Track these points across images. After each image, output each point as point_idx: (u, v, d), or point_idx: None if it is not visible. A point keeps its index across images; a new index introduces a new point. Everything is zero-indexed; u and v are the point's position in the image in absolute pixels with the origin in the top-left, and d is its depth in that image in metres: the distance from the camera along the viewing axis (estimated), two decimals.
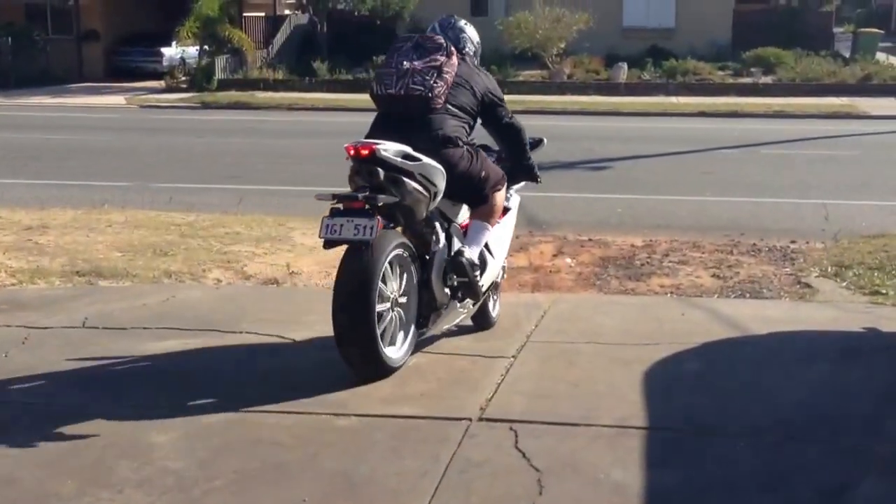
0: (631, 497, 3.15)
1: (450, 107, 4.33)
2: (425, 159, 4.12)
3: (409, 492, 3.18)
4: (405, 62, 4.28)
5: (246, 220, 8.91)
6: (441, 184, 4.21)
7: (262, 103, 22.89)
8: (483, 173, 4.44)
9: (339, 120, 20.46)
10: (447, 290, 4.36)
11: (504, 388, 4.13)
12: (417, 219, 4.18)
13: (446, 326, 4.61)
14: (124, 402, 3.95)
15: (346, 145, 3.97)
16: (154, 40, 28.73)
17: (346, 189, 4.19)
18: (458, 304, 4.49)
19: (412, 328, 4.27)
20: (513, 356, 4.58)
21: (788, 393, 4.07)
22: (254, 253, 7.53)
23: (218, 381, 4.23)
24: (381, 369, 4.07)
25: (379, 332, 3.98)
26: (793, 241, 8.22)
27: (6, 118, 20.13)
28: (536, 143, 4.93)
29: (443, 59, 4.30)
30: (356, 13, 29.05)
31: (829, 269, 7.04)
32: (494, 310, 5.06)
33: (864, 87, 24.15)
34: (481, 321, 4.95)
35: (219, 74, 26.03)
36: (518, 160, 4.76)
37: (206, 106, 22.95)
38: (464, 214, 4.63)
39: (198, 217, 8.96)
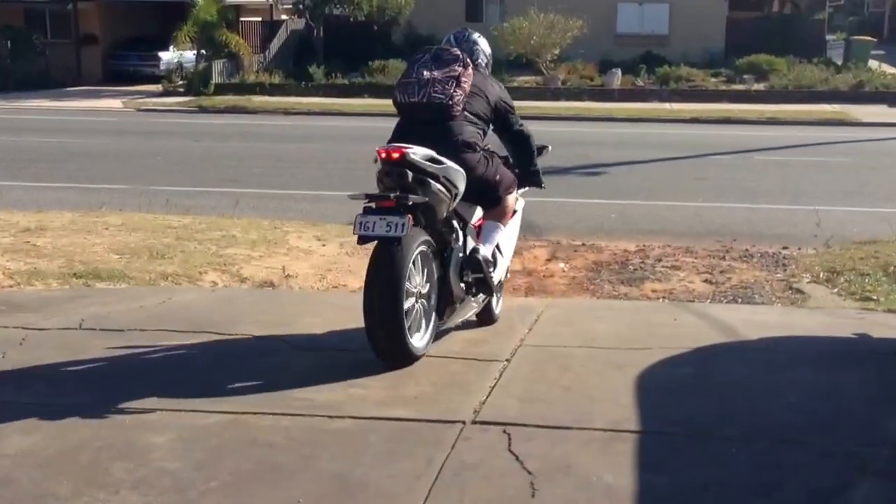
0: (623, 500, 3.16)
1: (467, 114, 4.61)
2: (448, 163, 4.40)
3: (404, 494, 3.20)
4: (426, 72, 4.58)
5: (242, 224, 8.93)
6: (462, 186, 4.49)
7: (258, 107, 22.95)
8: (497, 176, 4.75)
9: (335, 124, 20.52)
10: (462, 286, 4.63)
11: (498, 391, 4.15)
12: (438, 218, 4.43)
13: (460, 319, 4.86)
14: (121, 404, 3.96)
15: (377, 149, 4.24)
16: (152, 44, 28.92)
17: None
18: (472, 299, 4.78)
19: (433, 320, 4.53)
20: (506, 360, 4.60)
21: (780, 397, 4.10)
22: (250, 256, 7.55)
23: (214, 383, 4.24)
24: (406, 357, 4.32)
25: (406, 323, 4.24)
26: (785, 247, 8.28)
27: (5, 121, 20.17)
28: (541, 149, 5.16)
29: (460, 69, 4.58)
30: (352, 19, 29.15)
31: (821, 275, 7.08)
32: (497, 307, 5.27)
33: (857, 95, 24.27)
34: (486, 317, 5.16)
35: (216, 78, 26.15)
36: (526, 165, 5.02)
37: (203, 110, 23.03)
38: (476, 215, 4.89)
39: (194, 220, 8.98)
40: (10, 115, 21.36)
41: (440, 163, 4.34)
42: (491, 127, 4.84)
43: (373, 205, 4.23)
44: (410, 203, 4.17)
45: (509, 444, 3.55)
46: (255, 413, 3.86)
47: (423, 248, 4.32)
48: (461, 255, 4.62)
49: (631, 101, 24.04)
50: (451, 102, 4.52)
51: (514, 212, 5.10)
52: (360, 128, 19.70)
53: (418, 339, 4.40)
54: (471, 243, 4.71)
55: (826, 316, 5.84)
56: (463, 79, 4.57)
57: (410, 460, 3.42)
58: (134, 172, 13.19)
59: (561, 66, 26.83)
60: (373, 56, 27.51)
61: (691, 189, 11.99)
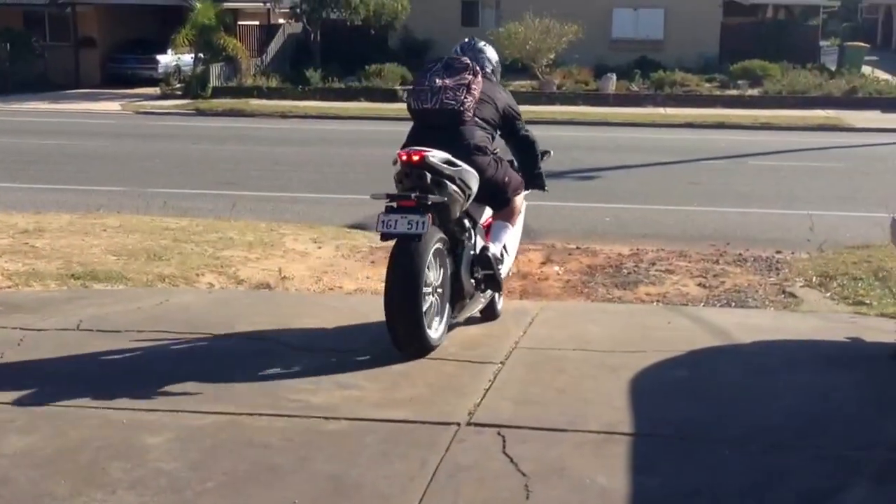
0: (617, 502, 3.18)
1: (477, 119, 4.85)
2: (463, 165, 4.65)
3: (398, 495, 3.21)
4: (438, 80, 4.79)
5: (239, 226, 8.96)
6: (475, 187, 4.73)
7: (255, 110, 23.01)
8: (506, 178, 4.98)
9: (332, 128, 20.54)
10: (472, 282, 4.87)
11: (492, 393, 4.17)
12: (452, 218, 4.65)
13: (469, 313, 5.06)
14: (118, 404, 3.98)
15: (398, 152, 4.50)
16: (150, 48, 29.04)
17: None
18: (481, 294, 5.03)
19: (446, 313, 4.75)
20: (501, 362, 4.62)
21: (773, 401, 4.12)
22: (246, 258, 7.57)
23: (210, 384, 4.25)
24: (424, 348, 4.55)
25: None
26: (778, 252, 8.31)
27: (3, 123, 20.21)
28: (544, 154, 5.40)
29: (470, 77, 4.81)
30: (349, 23, 29.20)
31: (814, 280, 7.11)
32: (499, 303, 5.48)
33: (850, 100, 24.34)
34: (489, 313, 5.34)
35: (213, 82, 26.21)
36: (530, 169, 5.26)
37: (200, 113, 23.07)
38: (485, 215, 5.14)
39: (191, 222, 9.01)
40: (9, 118, 21.39)
41: (456, 165, 4.58)
42: (498, 132, 5.06)
43: (394, 204, 4.45)
44: (430, 203, 4.40)
45: (504, 446, 3.57)
46: (251, 414, 3.88)
47: (439, 245, 4.54)
48: (472, 252, 4.85)
49: (626, 105, 24.09)
50: (462, 108, 4.73)
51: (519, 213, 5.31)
52: (357, 131, 19.73)
53: (434, 331, 4.61)
54: (480, 242, 4.93)
55: (819, 320, 5.86)
56: (473, 86, 4.78)
57: (405, 462, 3.44)
58: (132, 175, 13.23)
59: (556, 71, 26.89)
60: (369, 60, 27.57)
61: (685, 193, 12.04)
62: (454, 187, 4.55)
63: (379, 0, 28.48)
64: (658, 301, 6.67)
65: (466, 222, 4.84)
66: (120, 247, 7.66)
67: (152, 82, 27.78)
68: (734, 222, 10.17)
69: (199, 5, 25.87)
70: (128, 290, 6.39)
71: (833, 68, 29.58)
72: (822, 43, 35.78)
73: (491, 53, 5.25)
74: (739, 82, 26.74)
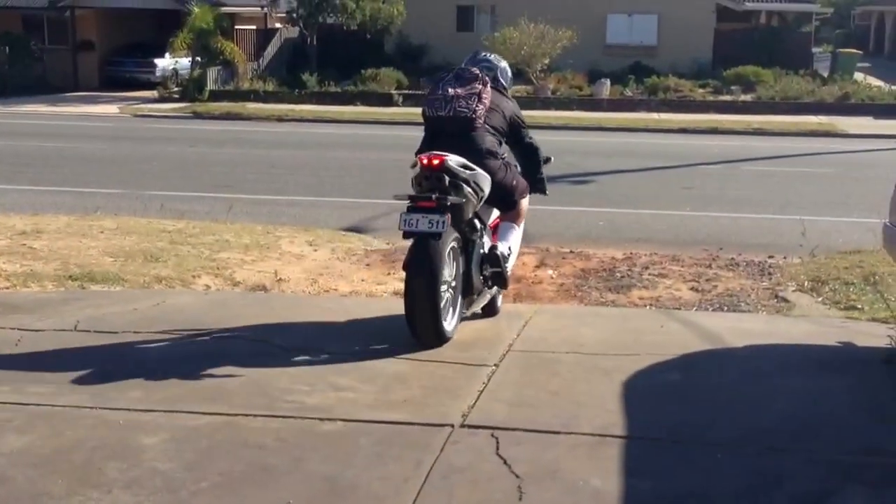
0: None
1: (487, 126, 5.12)
2: (478, 169, 4.93)
3: (393, 496, 3.23)
4: (450, 90, 5.07)
5: (235, 228, 8.98)
6: (487, 189, 5.01)
7: (252, 114, 23.06)
8: (514, 182, 5.27)
9: (328, 131, 20.57)
10: (481, 278, 5.15)
11: (486, 395, 4.19)
12: (464, 218, 4.92)
13: (477, 308, 5.35)
14: (114, 404, 3.99)
15: (419, 156, 4.78)
16: (148, 51, 29.20)
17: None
18: (488, 290, 5.32)
19: (458, 307, 5.02)
20: (495, 364, 4.64)
21: (765, 404, 4.14)
22: (242, 260, 7.59)
23: (206, 385, 4.27)
24: (440, 339, 4.81)
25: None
26: (770, 256, 8.35)
27: (2, 125, 20.26)
28: (546, 160, 5.67)
29: (480, 87, 5.10)
30: (345, 28, 29.26)
31: (806, 284, 7.14)
32: (499, 301, 5.71)
33: (843, 106, 24.43)
34: (489, 309, 5.58)
35: (210, 85, 26.32)
36: (533, 174, 5.52)
37: (197, 116, 23.13)
38: (491, 217, 5.39)
39: (188, 224, 9.03)
40: (8, 120, 21.44)
41: (471, 169, 4.87)
42: (504, 139, 5.33)
43: (415, 204, 4.72)
44: (449, 203, 4.68)
45: (497, 448, 3.59)
46: (246, 415, 3.89)
47: (453, 244, 4.83)
48: (481, 251, 5.13)
49: (620, 110, 24.16)
50: (474, 116, 5.01)
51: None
52: (353, 135, 19.76)
53: (448, 323, 4.87)
54: (488, 241, 5.22)
55: (811, 324, 5.89)
56: (483, 95, 5.07)
57: (399, 463, 3.46)
58: (129, 177, 13.26)
59: (551, 76, 26.94)
60: (365, 65, 27.64)
61: (679, 198, 12.08)
62: (469, 189, 4.82)
63: (375, 5, 28.54)
64: (651, 305, 6.70)
65: (477, 223, 5.08)
66: (117, 248, 7.67)
67: (150, 86, 27.92)
68: (727, 227, 10.22)
69: (196, 10, 25.95)
70: (124, 292, 6.41)
71: (826, 74, 29.71)
72: (814, 49, 35.90)
73: (496, 62, 5.54)
74: (733, 88, 26.83)
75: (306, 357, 4.72)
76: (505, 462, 3.47)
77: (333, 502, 3.20)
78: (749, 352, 5.01)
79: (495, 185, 5.07)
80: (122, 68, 29.44)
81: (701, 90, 26.97)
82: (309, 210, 10.98)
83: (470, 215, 4.96)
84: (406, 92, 25.97)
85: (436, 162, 4.69)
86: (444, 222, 4.62)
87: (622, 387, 4.32)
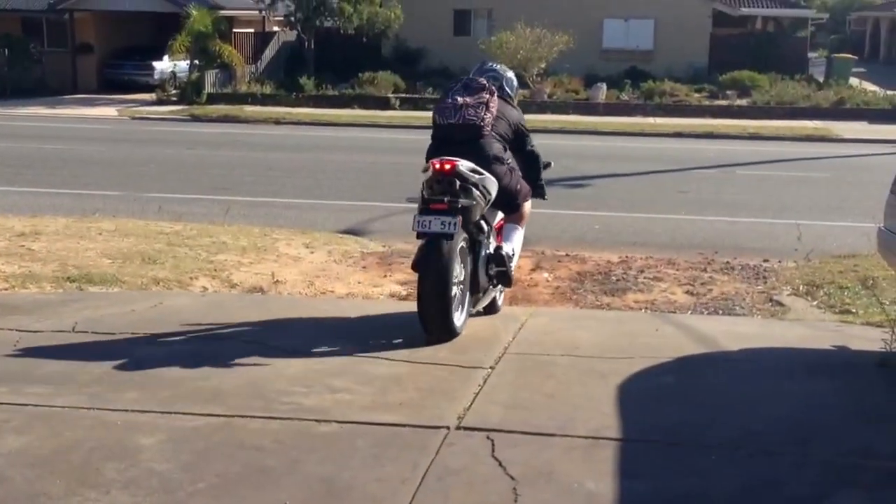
0: None
1: (494, 134, 5.37)
2: (486, 174, 5.17)
3: (389, 498, 3.24)
4: (459, 98, 5.32)
5: (233, 231, 9.00)
6: (494, 193, 5.25)
7: (250, 117, 23.09)
8: (518, 186, 5.52)
9: (325, 134, 20.59)
10: (487, 277, 5.38)
11: (482, 398, 4.20)
12: (472, 220, 5.11)
13: (482, 306, 5.55)
14: (112, 405, 4.00)
15: (431, 161, 5.01)
16: (146, 54, 29.26)
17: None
18: (493, 288, 5.57)
19: (466, 304, 5.24)
20: (490, 367, 4.66)
21: (760, 407, 4.15)
22: (240, 262, 7.61)
23: (203, 386, 4.28)
24: (451, 334, 5.02)
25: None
26: (766, 260, 8.38)
27: (1, 128, 20.32)
28: (546, 165, 5.93)
29: (487, 96, 5.35)
30: (342, 31, 29.29)
31: (801, 288, 7.17)
32: (500, 300, 5.94)
33: (838, 111, 24.51)
34: (491, 308, 5.78)
35: (208, 88, 26.38)
36: (534, 180, 5.77)
37: (195, 119, 23.16)
38: (496, 219, 5.61)
39: (186, 226, 9.05)
40: (7, 122, 21.47)
41: (480, 174, 5.11)
42: (508, 146, 5.55)
43: (428, 206, 4.96)
44: (460, 206, 4.92)
45: (493, 450, 3.60)
46: (243, 416, 3.90)
47: (463, 244, 5.06)
48: (487, 251, 5.37)
49: (616, 115, 24.21)
50: (481, 123, 5.26)
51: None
52: (350, 138, 19.79)
53: (458, 319, 5.08)
54: (493, 242, 5.48)
55: (805, 328, 5.92)
56: (490, 104, 5.33)
57: (396, 465, 3.47)
58: (127, 179, 13.29)
59: (547, 80, 26.99)
60: (362, 68, 27.68)
61: (674, 202, 12.11)
62: (478, 193, 5.07)
63: (372, 9, 28.58)
64: (646, 308, 6.72)
65: (484, 224, 5.32)
66: (115, 250, 7.69)
67: (148, 88, 28.01)
68: (722, 231, 10.25)
69: (195, 13, 26.00)
70: (122, 293, 6.42)
71: (821, 79, 29.79)
72: (810, 54, 35.99)
73: (503, 72, 5.80)
74: (728, 93, 26.90)
75: (303, 359, 4.73)
76: (500, 464, 3.48)
77: (330, 503, 3.21)
78: (744, 355, 5.03)
79: (501, 189, 5.30)
80: (120, 71, 29.49)
81: (697, 95, 27.04)
82: (306, 212, 11.00)
83: (477, 217, 5.17)
84: (403, 95, 26.01)
85: (448, 167, 4.93)
86: (455, 224, 4.85)
87: (617, 390, 4.34)
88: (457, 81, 5.56)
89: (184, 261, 7.44)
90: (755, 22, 35.42)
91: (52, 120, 22.46)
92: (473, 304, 5.36)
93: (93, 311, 5.68)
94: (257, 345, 4.96)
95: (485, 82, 5.46)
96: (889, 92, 26.63)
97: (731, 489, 3.34)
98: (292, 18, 29.57)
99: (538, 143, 5.98)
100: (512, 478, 3.38)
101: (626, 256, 8.45)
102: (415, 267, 4.96)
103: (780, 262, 8.33)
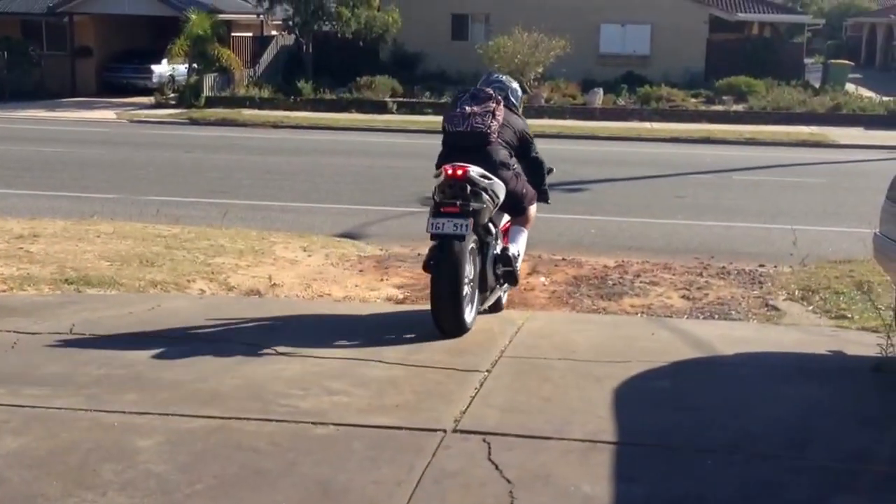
0: None
1: (501, 141, 5.64)
2: (495, 179, 5.43)
3: (385, 500, 3.25)
4: (467, 107, 5.60)
5: (230, 234, 9.02)
6: (502, 197, 5.53)
7: (248, 120, 23.11)
8: (524, 190, 5.81)
9: (323, 138, 20.62)
10: (494, 276, 5.61)
11: (478, 401, 4.21)
12: (481, 223, 5.35)
13: (489, 304, 5.77)
14: (109, 407, 4.01)
15: (443, 167, 5.28)
16: (145, 57, 29.32)
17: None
18: (499, 287, 5.81)
19: (476, 302, 5.45)
20: (487, 370, 4.67)
21: (756, 412, 4.17)
22: (237, 265, 7.62)
23: (200, 388, 4.28)
24: (462, 330, 5.26)
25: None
26: (761, 265, 8.40)
27: (0, 130, 20.26)
28: (549, 170, 6.16)
29: (494, 105, 5.63)
30: (340, 35, 29.32)
31: (797, 293, 7.18)
32: (504, 299, 6.16)
33: (834, 117, 24.56)
34: (496, 307, 6.00)
35: (207, 92, 26.43)
36: (538, 185, 6.02)
37: (193, 122, 23.19)
38: (502, 221, 5.83)
39: (183, 229, 9.07)
40: (6, 125, 21.50)
41: (489, 179, 5.38)
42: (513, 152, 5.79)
43: (441, 210, 5.20)
44: (471, 209, 5.17)
45: (489, 453, 3.61)
46: (240, 418, 3.91)
47: (472, 244, 5.30)
48: (495, 252, 5.60)
49: (612, 119, 24.24)
50: (489, 131, 5.54)
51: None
52: (347, 142, 19.81)
53: (468, 316, 5.30)
54: (500, 243, 5.71)
55: (801, 333, 5.93)
56: (497, 113, 5.60)
57: (392, 467, 3.48)
58: (125, 182, 13.31)
59: (544, 85, 27.04)
60: (360, 72, 27.71)
61: (670, 207, 12.14)
62: (487, 197, 5.32)
63: (370, 13, 28.61)
64: (642, 312, 6.73)
65: (492, 227, 5.56)
66: (113, 253, 7.70)
67: (147, 92, 28.07)
68: (718, 236, 10.27)
69: (194, 17, 26.06)
70: (120, 296, 6.43)
71: (817, 85, 29.88)
72: (806, 60, 36.06)
73: (509, 83, 6.05)
74: (724, 98, 26.96)
75: (300, 361, 4.74)
76: (496, 467, 3.49)
77: None
78: (739, 360, 5.04)
79: (508, 193, 5.57)
80: (119, 74, 29.55)
81: (693, 100, 27.10)
82: (303, 216, 11.02)
83: (486, 220, 5.42)
84: (401, 100, 26.04)
85: (460, 172, 5.20)
86: (467, 225, 5.12)
87: (613, 393, 4.35)
88: (465, 91, 5.83)
89: (181, 263, 7.45)
90: (752, 27, 35.51)
91: (51, 123, 22.50)
92: (481, 301, 5.56)
93: (90, 313, 5.69)
94: (254, 347, 4.96)
95: (492, 92, 5.72)
96: (885, 98, 26.68)
97: (728, 493, 3.35)
98: (290, 22, 29.62)
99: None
100: (508, 481, 3.38)
101: (623, 261, 8.46)
102: (426, 268, 5.23)
103: (775, 266, 8.35)
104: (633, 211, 11.74)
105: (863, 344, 5.32)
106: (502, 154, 5.61)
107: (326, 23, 29.06)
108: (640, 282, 7.63)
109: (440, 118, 6.00)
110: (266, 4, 29.61)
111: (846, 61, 32.92)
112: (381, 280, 7.61)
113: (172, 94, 27.22)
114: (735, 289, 7.47)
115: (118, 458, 3.51)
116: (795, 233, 9.75)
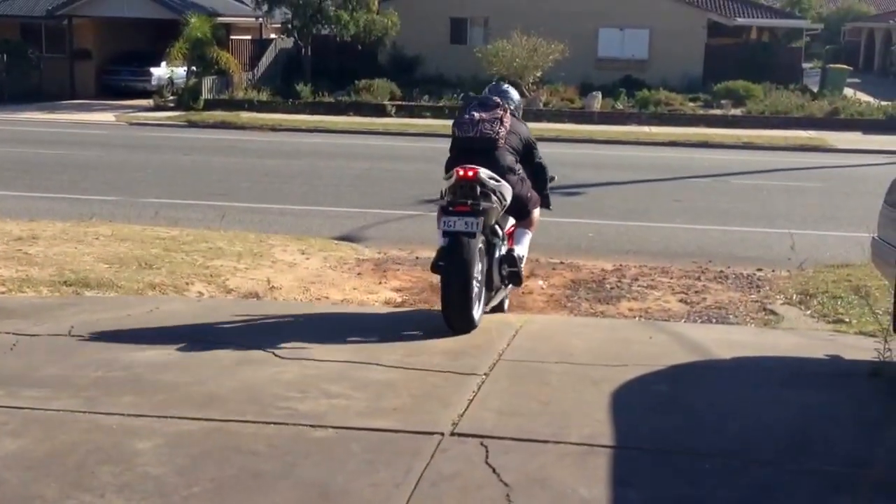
0: None
1: (507, 146, 5.85)
2: (503, 182, 5.65)
3: (383, 503, 3.25)
4: (476, 114, 5.84)
5: (228, 236, 9.02)
6: (509, 199, 5.72)
7: (246, 123, 23.12)
8: (529, 194, 6.02)
9: (321, 141, 20.63)
10: (499, 277, 5.81)
11: (476, 404, 4.22)
12: (488, 224, 5.57)
13: (495, 303, 5.98)
14: (108, 409, 4.01)
15: (455, 169, 5.49)
16: (144, 60, 29.35)
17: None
18: (504, 287, 6.02)
19: (483, 301, 5.63)
20: (485, 374, 4.67)
21: (753, 416, 4.17)
22: (235, 268, 7.62)
23: (198, 391, 4.29)
24: (470, 326, 5.42)
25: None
26: (759, 269, 8.41)
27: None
28: (550, 179, 6.33)
29: (501, 112, 5.87)
30: (339, 39, 29.34)
31: (794, 297, 7.20)
32: (507, 301, 6.37)
33: (832, 121, 24.59)
34: (498, 308, 6.17)
35: (206, 94, 26.42)
36: (540, 190, 6.21)
37: (192, 125, 23.19)
38: (507, 224, 6.01)
39: (182, 232, 9.07)
40: (5, 127, 21.51)
41: (498, 181, 5.60)
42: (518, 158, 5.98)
43: (453, 209, 5.41)
44: (482, 209, 5.40)
45: (486, 457, 3.61)
46: (238, 421, 3.92)
47: (481, 245, 5.50)
48: (500, 253, 5.80)
49: (610, 123, 24.27)
50: (496, 137, 5.77)
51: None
52: (346, 145, 19.82)
53: (476, 313, 5.47)
54: (505, 245, 5.92)
55: (799, 337, 5.93)
56: (504, 120, 5.84)
57: (390, 470, 3.48)
58: (124, 184, 13.32)
59: (543, 88, 27.05)
60: (359, 75, 27.73)
61: (668, 211, 12.15)
62: (495, 198, 5.55)
63: (369, 16, 28.62)
64: (640, 316, 6.74)
65: (498, 229, 5.79)
66: (112, 255, 7.70)
67: (146, 94, 28.10)
68: (716, 240, 10.29)
69: (193, 20, 26.07)
70: (119, 298, 6.44)
71: (815, 90, 29.89)
72: (804, 65, 36.12)
73: (513, 93, 6.29)
74: (723, 102, 26.98)
75: (298, 364, 4.74)
76: (494, 470, 3.50)
77: None
78: (737, 364, 5.05)
79: (514, 196, 5.77)
80: (118, 77, 29.59)
81: (691, 104, 27.11)
82: (302, 219, 11.02)
83: (494, 221, 5.64)
84: (399, 103, 26.05)
85: (471, 174, 5.43)
86: (477, 223, 5.35)
87: (610, 397, 4.35)
88: (473, 99, 6.14)
89: (180, 266, 7.46)
90: (750, 32, 35.57)
91: (50, 125, 22.50)
92: (487, 301, 5.72)
93: (89, 315, 5.70)
94: (252, 350, 4.96)
95: (499, 100, 5.97)
96: (883, 102, 26.72)
97: (725, 498, 3.35)
98: (289, 26, 29.63)
99: None
100: (505, 484, 3.39)
101: (621, 264, 8.47)
102: (434, 269, 5.46)
103: (773, 271, 8.36)
104: (631, 215, 11.76)
105: (860, 348, 5.32)
106: (509, 159, 5.82)
107: (325, 26, 29.07)
108: (638, 285, 7.64)
109: (438, 121, 6.19)
110: (265, 7, 29.64)
111: (844, 66, 32.94)
112: (380, 283, 7.62)
113: (171, 97, 27.28)
114: (733, 293, 7.48)
115: (116, 460, 3.52)
116: (793, 237, 9.77)
